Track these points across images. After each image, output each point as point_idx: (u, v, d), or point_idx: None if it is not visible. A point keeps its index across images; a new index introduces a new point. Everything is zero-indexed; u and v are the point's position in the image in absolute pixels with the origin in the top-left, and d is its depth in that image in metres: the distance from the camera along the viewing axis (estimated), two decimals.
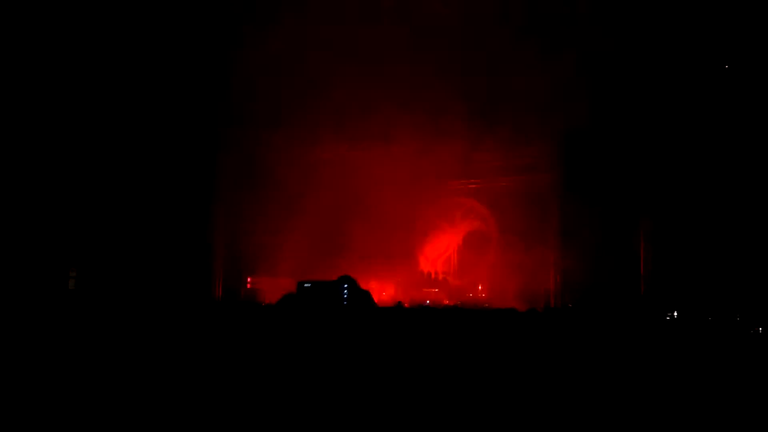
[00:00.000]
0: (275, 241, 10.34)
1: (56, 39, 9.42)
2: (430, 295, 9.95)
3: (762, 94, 8.63)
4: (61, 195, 9.91)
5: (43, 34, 9.33)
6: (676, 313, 8.76)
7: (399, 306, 9.55)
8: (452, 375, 7.52)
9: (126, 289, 10.02)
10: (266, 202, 10.55)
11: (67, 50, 9.52)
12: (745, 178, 8.75)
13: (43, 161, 9.71)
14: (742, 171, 8.76)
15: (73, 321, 9.42)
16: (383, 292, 10.13)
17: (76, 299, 10.06)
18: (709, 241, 8.81)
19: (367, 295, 8.68)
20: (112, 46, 9.71)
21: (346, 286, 8.43)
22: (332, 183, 10.55)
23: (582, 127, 9.58)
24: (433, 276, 10.32)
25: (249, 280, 10.88)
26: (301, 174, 10.68)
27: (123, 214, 10.22)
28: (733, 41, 8.82)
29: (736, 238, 8.68)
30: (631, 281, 9.01)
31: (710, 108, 8.91)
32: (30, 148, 9.61)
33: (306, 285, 8.72)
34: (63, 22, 9.42)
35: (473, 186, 10.35)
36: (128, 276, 10.15)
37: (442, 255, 10.31)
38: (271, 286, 10.51)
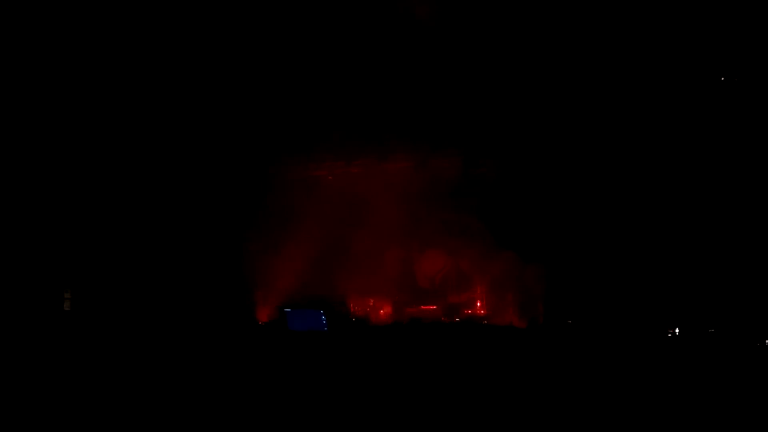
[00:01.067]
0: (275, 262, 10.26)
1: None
2: (428, 312, 9.88)
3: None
4: (61, 210, 9.90)
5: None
6: (677, 330, 8.71)
7: (397, 324, 9.52)
8: (458, 396, 7.46)
9: (121, 312, 9.96)
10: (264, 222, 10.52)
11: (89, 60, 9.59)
12: (744, 180, 8.75)
13: (46, 174, 9.72)
14: (745, 171, 8.77)
15: (68, 344, 9.37)
16: (380, 309, 10.08)
17: (72, 321, 10.00)
18: (710, 251, 8.79)
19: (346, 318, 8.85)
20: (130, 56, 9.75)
21: (322, 312, 8.58)
22: (329, 199, 10.54)
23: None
24: (430, 293, 10.25)
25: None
26: (297, 191, 10.70)
27: (119, 227, 10.21)
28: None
29: (737, 248, 8.65)
30: (630, 296, 8.95)
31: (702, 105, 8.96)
32: (34, 161, 9.63)
33: (287, 310, 8.85)
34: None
35: (470, 201, 10.29)
36: (123, 299, 10.11)
37: (439, 271, 10.24)
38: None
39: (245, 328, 9.78)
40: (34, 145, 9.60)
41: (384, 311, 10.05)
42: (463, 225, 10.05)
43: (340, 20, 9.82)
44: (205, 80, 10.01)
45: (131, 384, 7.93)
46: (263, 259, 10.30)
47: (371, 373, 8.30)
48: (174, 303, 9.99)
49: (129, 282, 10.17)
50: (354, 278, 10.11)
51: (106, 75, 9.85)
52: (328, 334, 9.52)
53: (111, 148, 10.08)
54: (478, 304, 9.83)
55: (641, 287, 8.97)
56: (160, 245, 10.28)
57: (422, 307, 9.99)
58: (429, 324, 9.41)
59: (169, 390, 7.70)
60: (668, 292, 8.80)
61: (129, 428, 6.28)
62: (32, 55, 9.43)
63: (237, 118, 10.36)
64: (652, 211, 9.21)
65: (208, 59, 9.99)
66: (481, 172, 10.42)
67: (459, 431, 6.32)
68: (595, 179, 9.64)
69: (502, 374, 8.12)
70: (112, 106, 9.95)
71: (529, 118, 9.89)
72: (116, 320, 9.75)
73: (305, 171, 10.96)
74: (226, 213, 10.61)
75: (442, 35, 9.85)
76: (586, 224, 9.47)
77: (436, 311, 9.90)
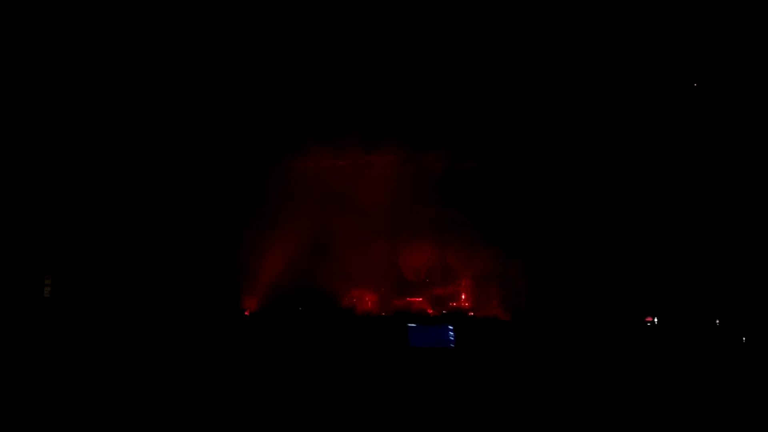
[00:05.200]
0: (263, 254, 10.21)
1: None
2: (414, 305, 9.99)
3: None
4: (41, 195, 9.71)
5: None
6: (656, 319, 9.01)
7: (384, 316, 9.63)
8: (446, 385, 7.60)
9: (103, 299, 9.81)
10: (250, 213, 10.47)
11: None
12: (719, 173, 9.07)
13: (29, 161, 9.53)
14: (720, 165, 9.08)
15: (49, 331, 9.22)
16: (367, 301, 10.14)
17: (52, 308, 9.81)
18: (689, 242, 9.10)
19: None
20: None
21: (451, 328, 8.51)
22: (316, 191, 10.56)
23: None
24: (416, 284, 10.36)
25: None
26: (283, 183, 10.68)
27: (102, 214, 10.05)
28: None
29: (714, 240, 8.98)
30: (610, 288, 9.21)
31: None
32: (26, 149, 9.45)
33: (410, 325, 8.77)
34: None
35: (455, 195, 10.42)
36: (105, 285, 9.95)
37: (425, 263, 10.36)
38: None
39: (230, 319, 9.76)
40: (16, 133, 9.39)
41: (370, 303, 10.11)
42: (449, 218, 10.19)
43: (330, 16, 9.83)
44: (190, 73, 9.91)
45: (114, 371, 7.88)
46: (248, 249, 10.26)
47: (360, 364, 8.40)
48: (157, 292, 9.89)
49: (111, 269, 10.03)
50: (339, 269, 10.15)
51: (93, 71, 9.71)
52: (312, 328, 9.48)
53: (94, 137, 9.91)
54: (463, 296, 9.97)
55: (621, 279, 9.23)
56: (144, 233, 10.16)
57: (408, 299, 10.08)
58: (415, 315, 9.52)
59: (148, 377, 7.67)
60: (647, 283, 9.09)
61: (113, 414, 6.27)
62: (21, 51, 9.24)
63: (224, 110, 10.28)
64: (632, 205, 9.49)
65: (193, 53, 9.89)
66: (467, 167, 10.55)
67: (447, 421, 6.48)
68: (577, 175, 9.87)
69: (489, 365, 8.32)
70: (99, 99, 9.79)
71: (515, 115, 10.06)
72: (98, 307, 9.62)
73: (292, 162, 10.92)
74: (212, 202, 10.53)
75: (431, 30, 9.94)
76: (568, 218, 9.71)
77: (422, 303, 10.01)
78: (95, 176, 10.04)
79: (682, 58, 9.24)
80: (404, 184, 10.38)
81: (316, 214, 10.29)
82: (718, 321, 8.64)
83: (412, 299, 10.05)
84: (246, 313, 10.02)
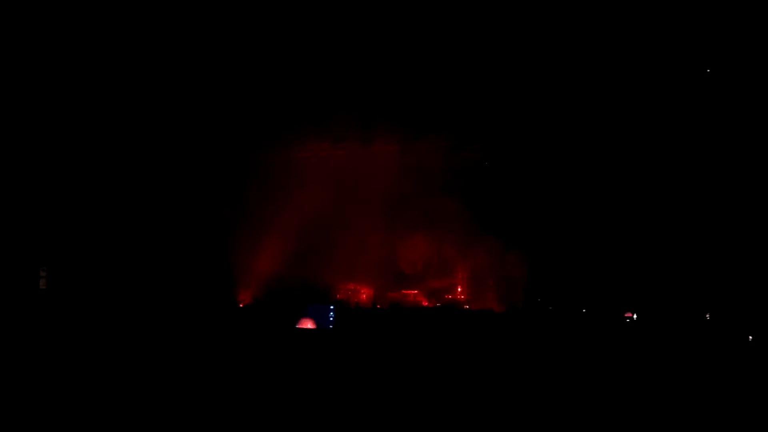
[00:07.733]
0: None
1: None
2: (409, 297, 9.94)
3: None
4: (36, 191, 9.70)
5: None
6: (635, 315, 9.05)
7: (378, 308, 9.57)
8: (440, 378, 7.53)
9: (97, 290, 9.81)
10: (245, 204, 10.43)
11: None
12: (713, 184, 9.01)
13: (24, 153, 9.53)
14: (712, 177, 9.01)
15: (44, 322, 9.24)
16: (362, 293, 10.11)
17: (48, 299, 9.83)
18: (673, 240, 9.07)
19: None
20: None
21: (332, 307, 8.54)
22: (312, 182, 10.49)
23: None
24: (412, 277, 10.30)
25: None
26: (280, 174, 10.62)
27: (98, 211, 10.03)
28: None
29: (698, 237, 8.95)
30: (598, 284, 9.20)
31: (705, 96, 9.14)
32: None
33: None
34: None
35: (454, 186, 10.34)
36: (100, 277, 9.94)
37: (421, 256, 10.29)
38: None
39: (225, 311, 9.75)
40: (12, 128, 9.39)
41: (365, 295, 10.08)
42: (447, 210, 10.10)
43: (327, 5, 9.75)
44: (181, 63, 9.85)
45: (110, 362, 7.86)
46: (243, 242, 10.21)
47: (354, 356, 8.36)
48: (153, 283, 9.88)
49: (106, 261, 10.02)
50: (335, 262, 10.11)
51: (82, 63, 9.71)
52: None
53: (87, 131, 9.89)
54: (459, 289, 9.91)
55: (608, 277, 9.23)
56: (139, 226, 10.13)
57: (403, 291, 10.03)
58: (409, 308, 9.49)
59: (144, 367, 7.64)
60: (628, 281, 9.11)
61: (110, 402, 6.24)
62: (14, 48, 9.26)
63: (217, 100, 10.20)
64: (631, 200, 9.43)
65: (185, 43, 9.83)
66: (466, 158, 10.46)
67: (441, 412, 6.41)
68: (576, 167, 9.79)
69: (477, 357, 8.27)
70: (90, 93, 9.78)
71: (517, 106, 9.97)
72: (93, 300, 9.62)
73: (289, 153, 10.83)
74: (206, 194, 10.48)
75: (429, 19, 9.84)
76: (568, 209, 9.65)
77: (417, 296, 9.96)
78: (89, 170, 10.00)
79: (681, 48, 9.14)
80: (402, 175, 10.29)
81: (313, 207, 10.22)
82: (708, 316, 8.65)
83: (408, 292, 10.01)
84: (240, 305, 10.02)
